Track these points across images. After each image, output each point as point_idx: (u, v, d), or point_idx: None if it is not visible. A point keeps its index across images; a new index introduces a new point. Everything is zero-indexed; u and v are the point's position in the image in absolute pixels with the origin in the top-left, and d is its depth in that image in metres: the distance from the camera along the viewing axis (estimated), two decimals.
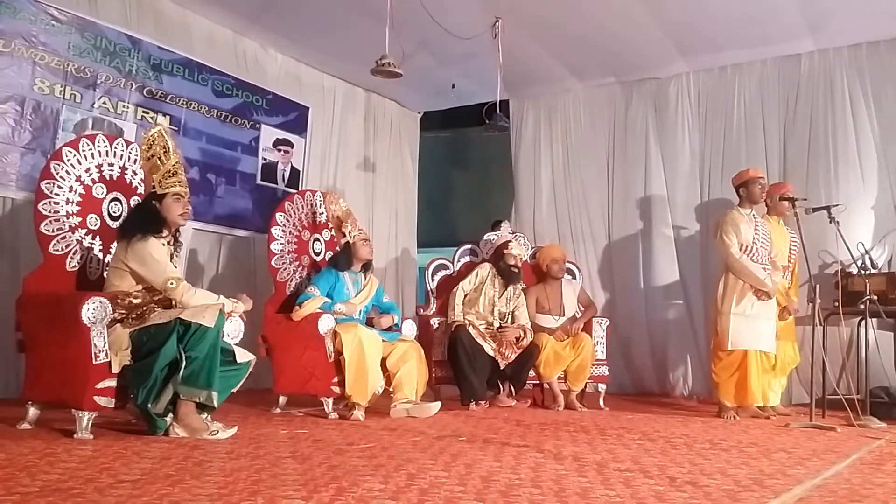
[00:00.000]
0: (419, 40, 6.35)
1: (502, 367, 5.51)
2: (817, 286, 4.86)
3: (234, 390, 3.80)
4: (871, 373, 5.30)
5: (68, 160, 3.88)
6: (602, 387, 5.88)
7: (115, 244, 3.83)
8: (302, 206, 5.36)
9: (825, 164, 6.34)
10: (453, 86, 7.55)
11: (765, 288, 5.15)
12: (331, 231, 5.47)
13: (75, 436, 3.31)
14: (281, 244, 5.13)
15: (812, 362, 4.95)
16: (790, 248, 5.70)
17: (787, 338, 5.56)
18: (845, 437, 4.26)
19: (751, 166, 5.79)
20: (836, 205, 5.45)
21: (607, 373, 5.96)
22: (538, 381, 5.79)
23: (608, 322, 6.09)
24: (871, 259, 5.65)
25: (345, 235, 5.12)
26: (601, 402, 5.77)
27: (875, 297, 5.02)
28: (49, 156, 4.23)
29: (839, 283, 5.22)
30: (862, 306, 5.03)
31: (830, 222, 5.28)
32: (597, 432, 4.19)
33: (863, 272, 5.44)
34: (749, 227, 5.26)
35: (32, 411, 3.56)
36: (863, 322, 5.24)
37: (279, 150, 6.82)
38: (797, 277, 5.83)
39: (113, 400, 3.45)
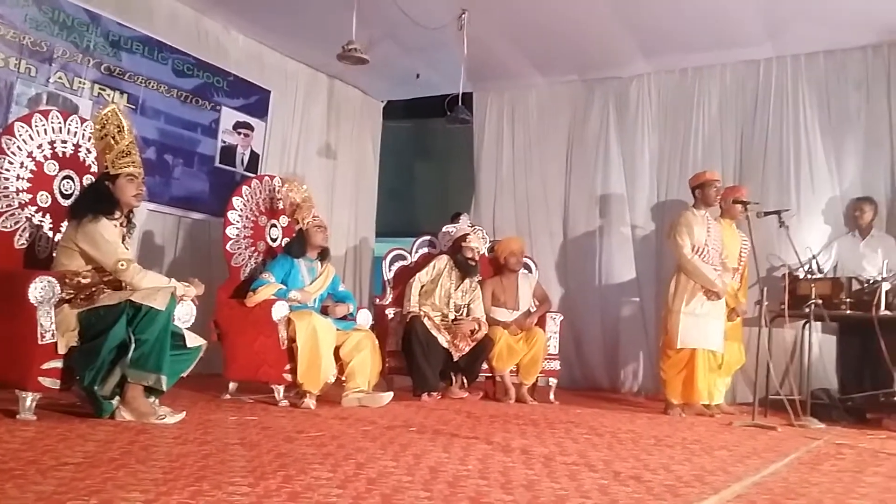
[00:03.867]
0: (384, 28, 6.33)
1: (456, 359, 5.54)
2: (765, 289, 4.97)
3: (184, 375, 3.77)
4: (813, 375, 5.43)
5: (20, 135, 3.80)
6: (553, 381, 5.95)
7: (65, 223, 3.76)
8: (260, 191, 5.31)
9: (779, 169, 6.48)
10: (417, 76, 7.53)
11: (715, 288, 5.25)
12: (288, 217, 5.43)
13: (18, 416, 3.26)
14: (237, 229, 5.08)
15: (757, 363, 5.07)
16: (741, 251, 5.81)
17: (734, 338, 5.67)
18: (785, 436, 4.36)
19: (707, 169, 5.89)
20: (787, 210, 5.57)
21: (559, 367, 6.03)
22: (490, 374, 5.83)
23: (562, 317, 6.15)
24: (817, 264, 5.78)
25: (298, 222, 5.10)
26: (551, 396, 5.84)
27: (820, 301, 5.13)
28: (0, 130, 4.12)
29: (786, 287, 5.34)
30: (807, 310, 5.14)
31: (780, 227, 5.39)
32: (546, 426, 4.24)
33: (809, 276, 5.57)
34: (702, 228, 5.34)
35: None
36: (807, 325, 5.37)
37: (239, 134, 6.74)
38: (746, 279, 5.96)
39: (58, 381, 3.39)
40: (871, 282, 5.28)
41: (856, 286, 5.37)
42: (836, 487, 2.85)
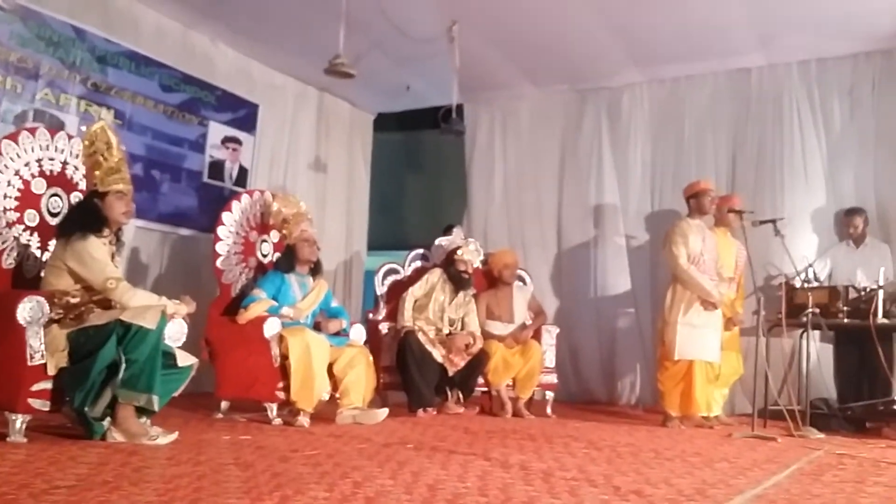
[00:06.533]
0: (374, 40, 6.30)
1: (451, 374, 5.50)
2: (761, 298, 4.96)
3: (176, 394, 3.71)
4: (811, 384, 5.41)
5: (7, 153, 3.75)
6: (550, 394, 5.90)
7: (53, 241, 3.72)
8: (250, 206, 5.25)
9: (772, 177, 6.48)
10: (408, 88, 7.51)
11: (711, 299, 5.23)
12: (278, 232, 5.39)
13: (8, 439, 3.21)
14: (227, 245, 5.03)
15: (755, 373, 5.04)
16: (736, 260, 5.79)
17: (732, 348, 5.65)
18: (786, 447, 4.34)
19: (701, 178, 5.88)
20: (782, 218, 5.58)
21: (556, 380, 5.99)
22: (487, 389, 5.78)
23: (558, 330, 6.12)
24: (814, 272, 5.77)
25: (286, 237, 5.06)
26: (548, 410, 5.79)
27: (817, 310, 5.13)
28: None
29: (783, 296, 5.33)
30: (804, 319, 5.13)
31: (776, 235, 5.38)
32: (544, 440, 4.20)
33: (806, 285, 5.55)
34: (697, 238, 5.33)
35: None
36: (805, 334, 5.35)
37: (227, 148, 6.69)
38: (743, 289, 5.94)
39: (48, 403, 3.35)
40: (867, 290, 5.27)
41: (853, 294, 5.36)
42: (838, 498, 2.84)
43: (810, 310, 5.09)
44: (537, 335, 5.91)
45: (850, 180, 6.26)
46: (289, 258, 5.00)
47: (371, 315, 6.00)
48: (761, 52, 6.44)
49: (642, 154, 7.17)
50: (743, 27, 5.97)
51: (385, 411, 4.77)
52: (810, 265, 5.79)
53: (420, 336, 5.43)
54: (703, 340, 5.24)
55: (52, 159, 3.97)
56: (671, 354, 5.26)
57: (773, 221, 5.43)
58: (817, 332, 5.57)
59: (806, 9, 5.61)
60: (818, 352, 5.59)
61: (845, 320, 5.28)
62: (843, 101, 6.35)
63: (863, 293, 5.28)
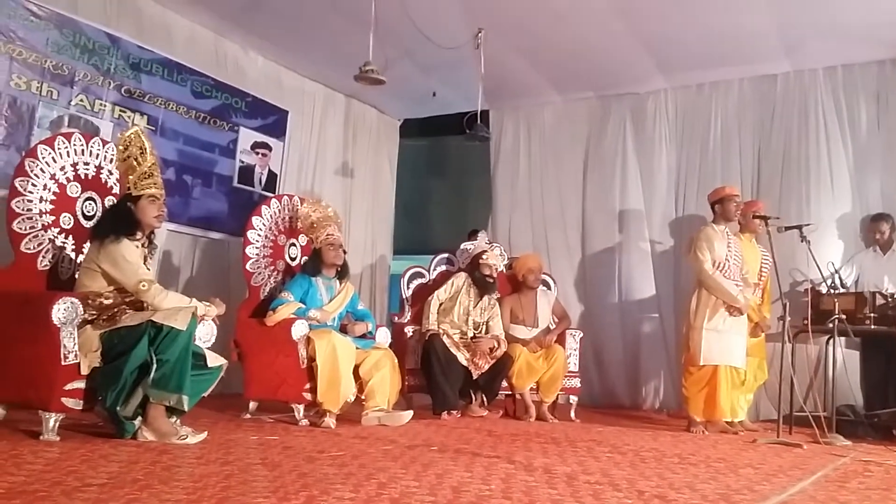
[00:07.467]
0: (401, 48, 6.36)
1: (475, 377, 5.52)
2: (787, 304, 4.93)
3: (205, 395, 3.77)
4: (837, 391, 5.36)
5: (43, 158, 3.85)
6: (574, 399, 5.90)
7: (87, 244, 3.80)
8: (279, 210, 5.33)
9: (798, 183, 6.44)
10: (434, 94, 7.56)
11: (737, 304, 5.21)
12: (306, 236, 5.45)
13: (41, 437, 3.27)
14: (256, 248, 5.10)
15: (780, 379, 5.01)
16: (761, 266, 5.76)
17: (756, 354, 5.62)
18: (811, 453, 4.31)
19: (726, 184, 5.87)
20: (808, 224, 5.54)
21: (579, 385, 5.99)
22: (510, 392, 5.80)
23: (581, 334, 6.12)
24: (840, 278, 5.72)
25: (313, 241, 5.12)
26: (572, 414, 5.80)
27: (843, 317, 5.08)
28: (24, 153, 4.17)
29: (809, 302, 5.29)
30: (830, 325, 5.09)
31: (802, 241, 5.35)
32: (567, 444, 4.21)
33: (832, 291, 5.51)
34: (722, 243, 5.31)
35: None
36: (831, 341, 5.31)
37: (257, 154, 6.78)
38: (769, 294, 5.91)
39: (81, 402, 3.40)
40: (895, 297, 5.22)
41: (880, 301, 5.31)
42: None
43: (836, 316, 5.05)
44: (561, 339, 5.92)
45: (877, 186, 6.20)
46: (315, 261, 5.06)
47: (396, 318, 6.03)
48: (787, 59, 6.41)
49: (667, 160, 7.16)
50: (769, 34, 5.94)
51: (410, 413, 4.81)
52: (836, 271, 5.74)
53: (445, 339, 5.46)
54: (728, 346, 5.22)
55: (86, 164, 4.06)
56: (696, 359, 5.25)
57: (800, 227, 5.40)
58: (843, 339, 5.52)
59: (832, 15, 5.58)
60: (844, 358, 5.54)
61: (872, 327, 5.23)
62: (869, 107, 6.30)
63: (890, 300, 5.24)
